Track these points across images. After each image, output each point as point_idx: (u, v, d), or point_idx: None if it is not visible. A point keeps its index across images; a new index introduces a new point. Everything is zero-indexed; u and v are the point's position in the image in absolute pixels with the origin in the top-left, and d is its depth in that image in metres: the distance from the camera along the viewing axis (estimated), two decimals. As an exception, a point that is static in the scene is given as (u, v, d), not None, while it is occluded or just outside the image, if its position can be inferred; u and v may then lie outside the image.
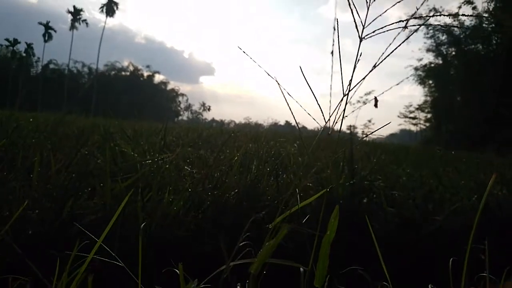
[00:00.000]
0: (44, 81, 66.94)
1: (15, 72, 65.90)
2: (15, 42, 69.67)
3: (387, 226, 1.42)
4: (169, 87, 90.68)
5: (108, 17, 71.20)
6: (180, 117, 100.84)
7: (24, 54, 70.66)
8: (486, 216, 1.78)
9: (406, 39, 1.62)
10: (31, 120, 4.12)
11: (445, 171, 4.28)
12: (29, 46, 71.06)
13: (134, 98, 74.39)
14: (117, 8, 71.66)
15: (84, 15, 71.18)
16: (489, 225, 1.61)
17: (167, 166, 2.02)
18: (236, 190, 1.43)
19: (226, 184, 1.51)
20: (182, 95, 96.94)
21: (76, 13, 70.22)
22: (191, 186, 1.44)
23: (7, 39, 69.14)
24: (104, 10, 70.30)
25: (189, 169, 1.94)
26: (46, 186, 1.50)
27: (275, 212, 1.46)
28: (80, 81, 76.45)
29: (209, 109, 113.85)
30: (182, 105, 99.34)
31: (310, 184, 1.77)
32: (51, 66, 74.26)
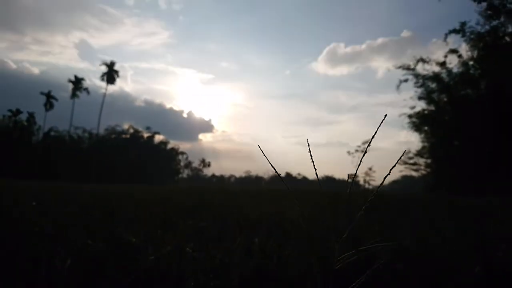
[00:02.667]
0: (45, 149, 67.78)
1: (16, 141, 66.95)
2: (18, 112, 71.52)
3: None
4: (169, 146, 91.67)
5: (109, 84, 73.48)
6: (180, 175, 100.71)
7: (26, 123, 72.18)
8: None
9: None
10: (34, 205, 4.15)
11: (448, 226, 4.25)
12: (31, 115, 72.81)
13: (135, 160, 74.90)
14: (117, 75, 74.02)
15: (85, 82, 73.29)
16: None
17: (169, 248, 2.03)
18: (239, 278, 1.43)
19: (228, 272, 1.51)
20: (182, 153, 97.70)
21: (77, 82, 72.68)
22: (193, 278, 1.44)
23: (10, 110, 71.01)
24: (105, 79, 72.72)
25: (191, 251, 1.95)
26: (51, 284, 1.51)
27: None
28: (81, 146, 77.30)
29: (209, 165, 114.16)
30: (182, 163, 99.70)
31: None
32: (52, 133, 75.54)
